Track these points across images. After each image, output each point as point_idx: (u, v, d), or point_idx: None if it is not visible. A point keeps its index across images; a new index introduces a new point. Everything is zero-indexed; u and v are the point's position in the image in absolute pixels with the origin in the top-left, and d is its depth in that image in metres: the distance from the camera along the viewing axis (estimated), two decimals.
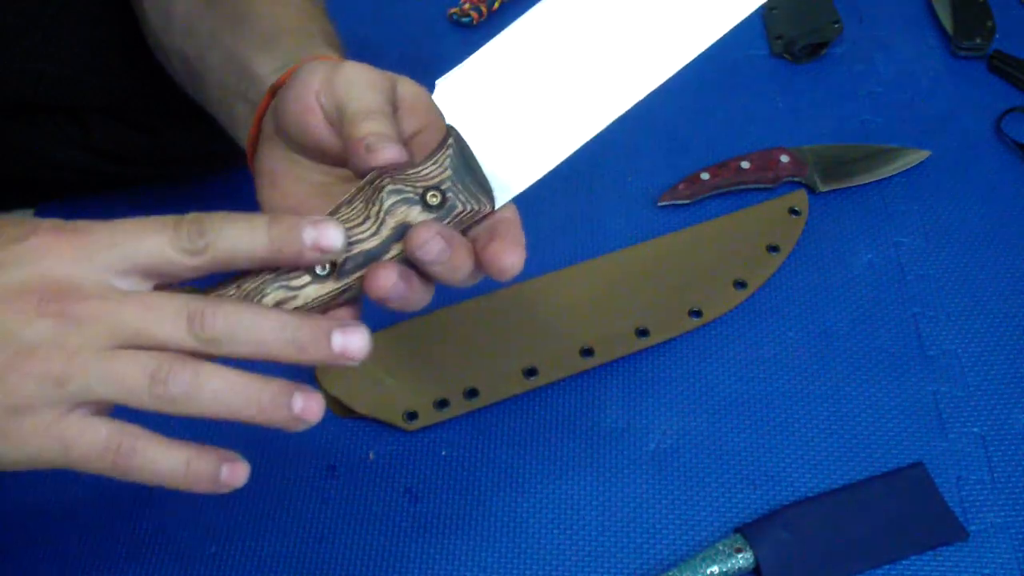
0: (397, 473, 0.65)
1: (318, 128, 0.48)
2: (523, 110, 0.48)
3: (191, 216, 0.43)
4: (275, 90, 0.52)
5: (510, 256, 0.46)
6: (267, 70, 0.54)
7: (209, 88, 0.59)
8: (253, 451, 0.66)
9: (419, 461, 0.65)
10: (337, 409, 0.67)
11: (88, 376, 0.40)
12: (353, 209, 0.45)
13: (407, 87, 0.49)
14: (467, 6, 0.93)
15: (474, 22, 0.93)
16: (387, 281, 0.44)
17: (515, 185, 0.48)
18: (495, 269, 0.46)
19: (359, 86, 0.47)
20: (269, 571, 0.60)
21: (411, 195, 0.45)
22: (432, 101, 0.49)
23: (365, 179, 0.45)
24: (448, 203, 0.45)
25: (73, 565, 0.61)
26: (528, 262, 0.74)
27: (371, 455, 0.65)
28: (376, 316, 0.71)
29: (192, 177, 0.82)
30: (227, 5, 0.59)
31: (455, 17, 0.94)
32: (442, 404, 0.66)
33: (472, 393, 0.67)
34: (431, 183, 0.45)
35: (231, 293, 0.44)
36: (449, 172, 0.46)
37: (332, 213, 0.45)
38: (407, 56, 0.91)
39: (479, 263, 0.46)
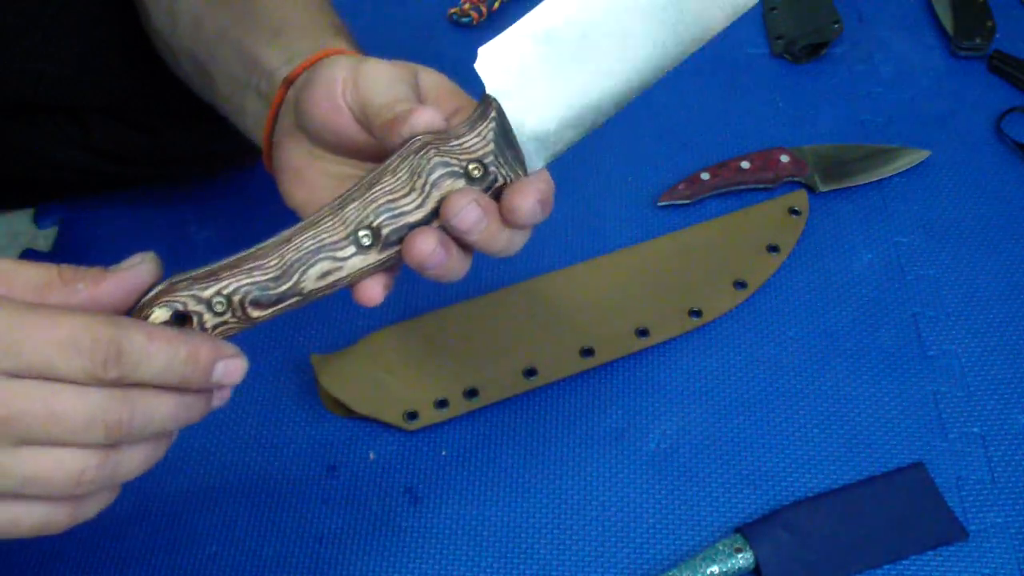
0: (397, 473, 0.65)
1: (347, 127, 0.49)
2: (561, 77, 0.47)
3: (107, 338, 0.39)
4: (289, 83, 0.52)
5: (524, 198, 0.46)
6: (277, 63, 0.54)
7: (220, 85, 0.59)
8: (253, 451, 0.66)
9: (419, 461, 0.65)
10: (337, 409, 0.67)
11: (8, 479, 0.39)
12: (397, 180, 0.45)
13: (429, 76, 0.50)
14: (467, 6, 0.93)
15: (474, 22, 0.93)
16: (426, 247, 0.45)
17: (548, 153, 0.47)
18: (506, 209, 0.46)
19: (382, 82, 0.47)
20: (269, 571, 0.60)
21: (456, 168, 0.45)
22: (455, 87, 0.49)
23: (407, 146, 0.45)
24: (489, 176, 0.46)
25: (74, 565, 0.61)
26: (528, 262, 0.75)
27: (371, 455, 0.65)
28: (376, 316, 0.71)
29: (192, 177, 0.82)
30: (233, 1, 0.60)
31: (455, 17, 0.94)
32: (442, 404, 0.66)
33: (472, 393, 0.67)
34: (474, 155, 0.45)
35: (272, 263, 0.44)
36: (492, 146, 0.46)
37: (374, 182, 0.45)
38: (407, 56, 0.91)
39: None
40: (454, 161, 0.45)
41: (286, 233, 0.45)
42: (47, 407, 0.38)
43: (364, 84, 0.48)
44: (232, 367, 0.43)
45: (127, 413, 0.39)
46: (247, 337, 0.72)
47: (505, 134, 0.46)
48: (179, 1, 0.62)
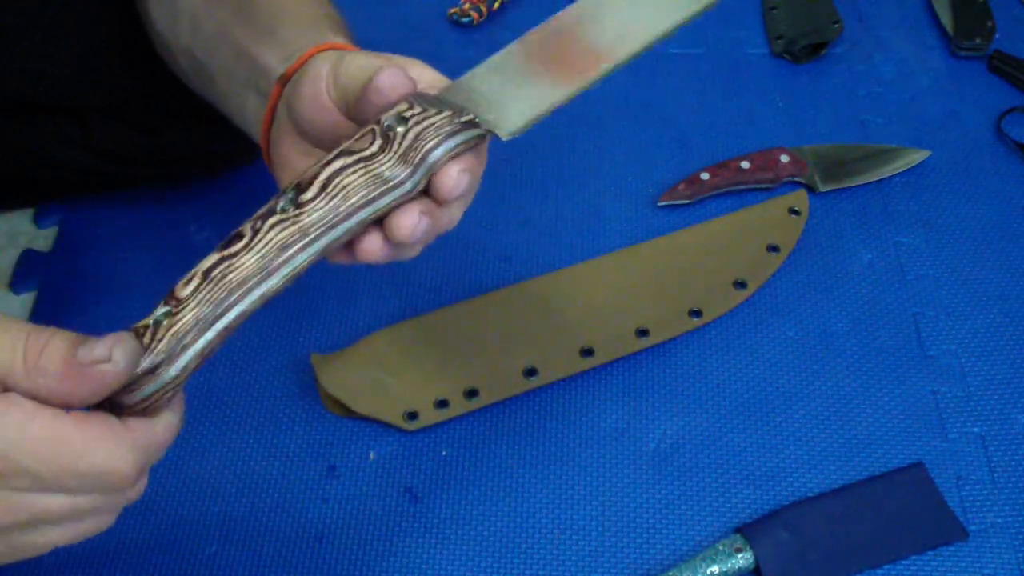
0: (397, 473, 0.65)
1: (335, 123, 0.49)
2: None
3: None
4: (285, 80, 0.52)
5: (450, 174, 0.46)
6: (275, 60, 0.54)
7: (219, 84, 0.59)
8: (253, 451, 0.66)
9: (419, 461, 0.65)
10: (337, 409, 0.67)
11: None
12: (389, 157, 0.45)
13: (419, 70, 0.50)
14: (467, 6, 0.93)
15: (474, 22, 0.93)
16: (410, 220, 0.45)
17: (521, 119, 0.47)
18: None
19: (361, 70, 0.47)
20: (269, 571, 0.60)
21: (436, 136, 0.45)
22: (445, 80, 0.49)
23: (390, 115, 0.45)
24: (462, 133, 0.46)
25: (74, 566, 0.61)
26: (528, 262, 0.75)
27: (371, 455, 0.65)
28: (376, 316, 0.71)
29: (192, 177, 0.81)
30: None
31: (455, 17, 0.94)
32: (442, 404, 0.66)
33: (472, 393, 0.67)
34: (442, 126, 0.45)
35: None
36: (451, 115, 0.46)
37: (368, 160, 0.45)
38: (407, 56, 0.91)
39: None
40: (432, 132, 0.45)
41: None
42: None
43: (344, 75, 0.48)
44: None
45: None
46: (247, 337, 0.73)
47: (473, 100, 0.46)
48: (180, 1, 0.62)
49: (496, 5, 0.93)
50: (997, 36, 0.89)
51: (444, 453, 0.65)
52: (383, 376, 0.67)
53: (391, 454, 0.65)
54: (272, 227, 0.43)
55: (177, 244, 0.77)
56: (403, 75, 0.46)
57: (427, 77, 0.49)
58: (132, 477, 0.40)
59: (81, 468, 0.38)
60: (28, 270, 0.77)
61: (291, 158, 0.53)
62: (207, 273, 0.42)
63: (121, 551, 0.61)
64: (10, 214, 0.81)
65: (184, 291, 0.42)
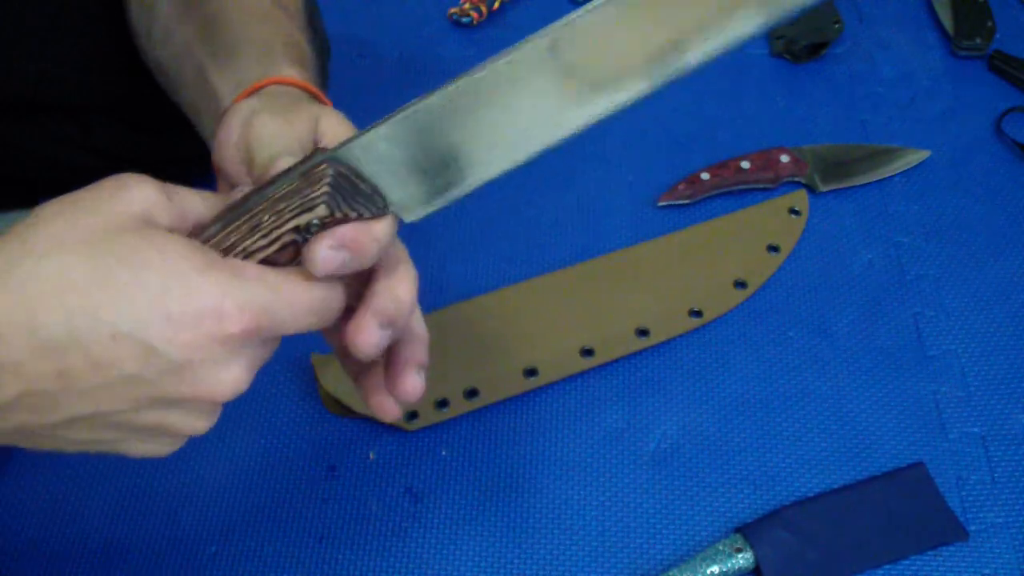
0: (397, 473, 0.65)
1: (240, 176, 0.48)
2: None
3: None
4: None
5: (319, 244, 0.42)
6: (227, 89, 0.53)
7: (184, 100, 0.60)
8: (253, 451, 0.66)
9: (419, 461, 0.65)
10: (337, 409, 0.67)
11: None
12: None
13: (329, 120, 0.48)
14: (467, 6, 0.93)
15: (474, 22, 0.93)
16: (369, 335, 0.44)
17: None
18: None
19: (268, 137, 0.47)
20: (269, 571, 0.60)
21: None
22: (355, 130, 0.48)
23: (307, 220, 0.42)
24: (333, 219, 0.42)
25: (76, 566, 0.61)
26: (528, 262, 0.75)
27: (371, 455, 0.65)
28: None
29: (192, 177, 0.81)
30: (200, 11, 0.59)
31: (455, 17, 0.94)
32: (442, 404, 0.66)
33: (472, 393, 0.67)
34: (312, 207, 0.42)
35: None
36: (328, 190, 0.42)
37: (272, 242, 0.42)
38: (407, 56, 0.91)
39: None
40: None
41: None
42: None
43: (253, 139, 0.47)
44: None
45: None
46: None
47: (351, 180, 0.42)
48: (156, 9, 0.62)
49: (496, 5, 0.93)
50: (997, 36, 0.89)
51: (444, 453, 0.65)
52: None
53: (391, 454, 0.65)
54: None
55: None
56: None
57: (332, 125, 0.47)
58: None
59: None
60: None
61: (223, 187, 0.52)
62: None
63: (122, 551, 0.61)
64: (10, 214, 0.81)
65: None
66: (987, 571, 0.59)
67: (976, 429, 0.65)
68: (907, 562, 0.59)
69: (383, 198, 0.43)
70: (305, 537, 0.62)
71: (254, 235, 0.42)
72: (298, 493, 0.64)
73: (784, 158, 0.79)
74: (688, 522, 0.62)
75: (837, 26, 0.90)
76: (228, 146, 0.49)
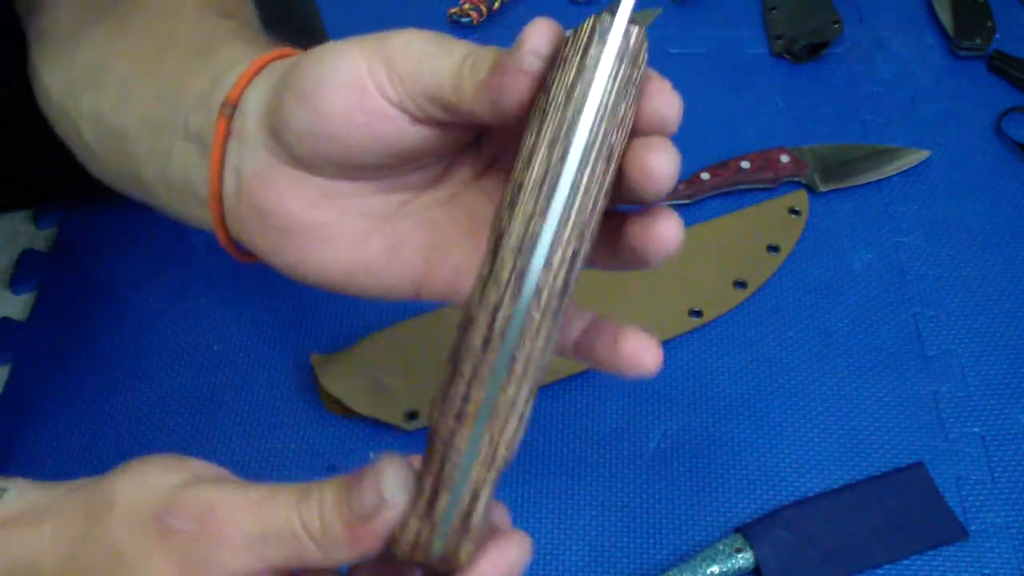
0: None
1: (396, 131, 0.38)
2: None
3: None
4: (232, 106, 0.41)
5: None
6: (206, 83, 0.42)
7: (131, 143, 0.47)
8: (253, 451, 0.66)
9: None
10: (337, 409, 0.67)
11: None
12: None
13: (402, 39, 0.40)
14: (467, 6, 0.93)
15: (474, 22, 0.93)
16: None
17: None
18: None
19: (423, 51, 0.38)
20: None
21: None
22: None
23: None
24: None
25: None
26: None
27: (371, 455, 0.65)
28: (376, 316, 0.71)
29: None
30: (144, 37, 0.50)
31: (455, 17, 0.94)
32: None
33: None
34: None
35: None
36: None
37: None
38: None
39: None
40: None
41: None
42: None
43: (404, 65, 0.38)
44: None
45: None
46: (247, 337, 0.72)
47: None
48: (79, 51, 0.53)
49: (496, 5, 0.93)
50: (997, 36, 0.89)
51: None
52: (383, 376, 0.67)
53: None
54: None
55: (176, 245, 0.77)
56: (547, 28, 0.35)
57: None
58: None
59: None
60: (28, 270, 0.77)
61: (311, 216, 0.40)
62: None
63: None
64: (10, 214, 0.81)
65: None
66: (987, 571, 0.59)
67: (976, 429, 0.65)
68: (907, 562, 0.59)
69: None
70: None
71: None
72: None
73: (784, 158, 0.79)
74: (688, 522, 0.62)
75: (837, 26, 0.90)
76: (356, 99, 0.37)
